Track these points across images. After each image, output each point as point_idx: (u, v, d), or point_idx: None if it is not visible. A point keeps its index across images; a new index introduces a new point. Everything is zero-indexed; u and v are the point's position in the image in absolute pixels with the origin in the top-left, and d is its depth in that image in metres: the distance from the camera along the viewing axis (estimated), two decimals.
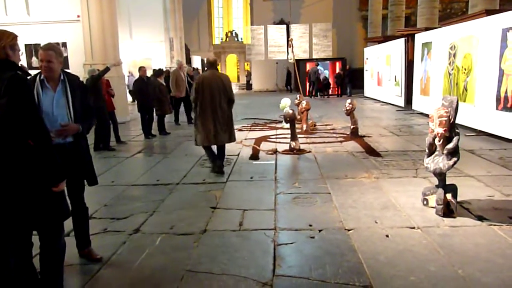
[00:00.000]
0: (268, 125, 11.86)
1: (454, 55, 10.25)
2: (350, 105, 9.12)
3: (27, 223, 2.49)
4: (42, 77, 2.98)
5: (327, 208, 4.76)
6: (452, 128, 4.37)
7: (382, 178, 5.94)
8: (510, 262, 3.34)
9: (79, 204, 3.46)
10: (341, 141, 8.93)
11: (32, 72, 3.11)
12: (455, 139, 4.30)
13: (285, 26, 22.63)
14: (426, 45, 12.23)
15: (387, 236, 3.94)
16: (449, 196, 4.37)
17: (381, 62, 17.40)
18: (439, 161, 4.41)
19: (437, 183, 4.73)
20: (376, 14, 24.59)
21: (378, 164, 6.75)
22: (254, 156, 7.67)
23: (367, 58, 20.65)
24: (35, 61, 13.92)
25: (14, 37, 2.58)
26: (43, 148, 2.43)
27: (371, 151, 7.73)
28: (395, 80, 15.34)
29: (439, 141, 4.44)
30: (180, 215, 4.68)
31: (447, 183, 4.57)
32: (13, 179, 2.38)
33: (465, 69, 9.68)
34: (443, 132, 4.33)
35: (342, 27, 27.79)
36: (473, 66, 9.30)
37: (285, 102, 11.04)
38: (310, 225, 4.23)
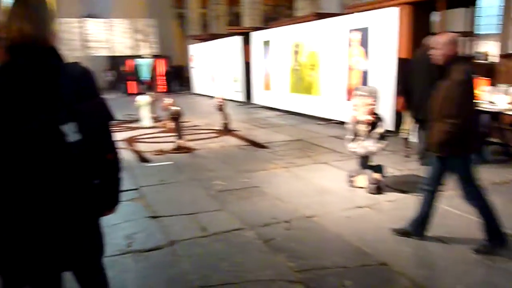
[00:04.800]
0: (122, 125, 11.01)
1: (298, 53, 11.33)
2: (222, 101, 9.20)
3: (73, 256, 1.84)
4: None
5: (270, 201, 4.79)
6: (376, 115, 4.92)
7: (290, 167, 6.24)
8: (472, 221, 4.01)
9: None
10: (216, 137, 8.95)
11: None
12: (383, 124, 4.85)
13: (104, 20, 21.16)
14: (267, 43, 13.15)
15: (348, 217, 4.22)
16: (378, 175, 4.92)
17: (215, 59, 17.91)
18: (368, 145, 4.91)
19: (352, 166, 5.30)
20: (194, 12, 25.10)
21: (273, 155, 7.05)
22: (143, 158, 7.07)
23: (193, 56, 20.94)
24: None
25: None
26: (118, 164, 1.88)
27: (255, 144, 7.99)
28: (233, 76, 16.02)
29: (366, 126, 4.94)
30: (123, 229, 4.05)
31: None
32: (81, 203, 1.78)
33: (311, 65, 10.81)
34: (372, 118, 4.84)
35: (159, 24, 27.46)
36: (319, 63, 10.47)
37: (144, 100, 10.42)
38: (274, 218, 4.21)
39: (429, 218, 3.58)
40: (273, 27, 13.58)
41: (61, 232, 1.72)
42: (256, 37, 13.85)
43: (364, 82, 8.75)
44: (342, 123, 9.67)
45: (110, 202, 1.94)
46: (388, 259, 3.31)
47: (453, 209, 4.21)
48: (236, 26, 18.63)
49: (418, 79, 5.75)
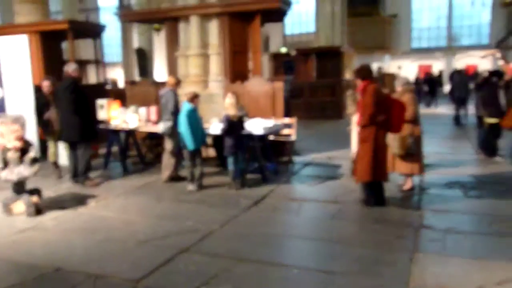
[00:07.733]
0: None
1: None
2: None
3: None
4: None
5: None
6: (24, 141, 5.08)
7: None
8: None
9: None
10: None
11: None
12: (33, 148, 5.07)
13: None
14: None
15: (15, 241, 4.29)
16: (35, 198, 5.09)
17: None
18: (21, 171, 4.99)
19: (5, 194, 5.27)
20: None
21: None
22: None
23: None
24: None
25: None
26: None
27: None
28: None
29: (16, 153, 5.01)
30: None
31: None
32: None
33: None
34: (22, 144, 4.98)
35: None
36: None
37: None
38: None
39: None
40: None
41: None
42: None
43: (2, 110, 8.38)
44: None
45: None
46: (62, 264, 3.70)
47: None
48: None
49: (61, 106, 6.21)
